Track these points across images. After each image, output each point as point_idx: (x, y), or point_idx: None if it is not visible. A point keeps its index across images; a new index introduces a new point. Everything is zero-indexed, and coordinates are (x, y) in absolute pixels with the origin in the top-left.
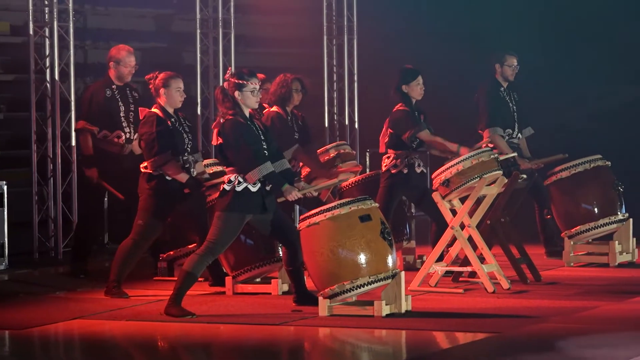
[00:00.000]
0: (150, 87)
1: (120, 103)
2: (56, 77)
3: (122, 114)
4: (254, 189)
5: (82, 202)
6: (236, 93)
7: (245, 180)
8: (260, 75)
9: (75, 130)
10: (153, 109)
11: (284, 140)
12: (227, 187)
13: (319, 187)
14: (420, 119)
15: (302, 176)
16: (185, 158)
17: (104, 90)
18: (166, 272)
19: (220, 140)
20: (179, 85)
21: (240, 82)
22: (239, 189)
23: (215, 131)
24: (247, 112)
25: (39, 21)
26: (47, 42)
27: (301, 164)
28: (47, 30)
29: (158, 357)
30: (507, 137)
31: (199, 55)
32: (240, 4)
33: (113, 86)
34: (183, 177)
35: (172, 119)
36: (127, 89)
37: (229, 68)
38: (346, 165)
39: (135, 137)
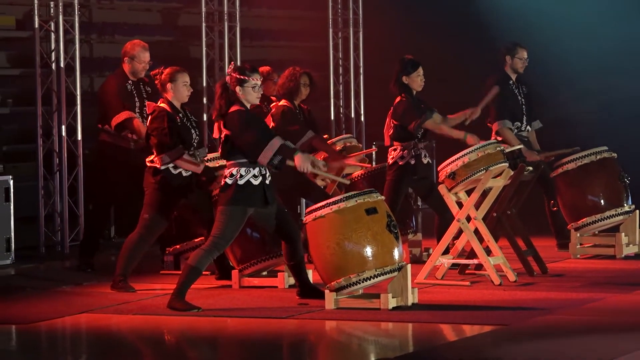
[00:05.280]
0: (156, 82)
1: (136, 98)
2: (62, 71)
3: (137, 110)
4: (255, 182)
5: (97, 194)
6: (237, 88)
7: (247, 173)
8: (266, 68)
9: (123, 122)
10: (160, 104)
11: (299, 130)
12: (229, 181)
13: (326, 174)
14: (422, 109)
15: None
16: (192, 153)
17: (125, 84)
18: (172, 265)
19: (225, 132)
20: (186, 79)
21: (242, 77)
22: (241, 182)
23: (216, 124)
24: (247, 107)
25: (44, 15)
26: (53, 36)
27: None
28: (52, 24)
29: (164, 351)
30: (515, 131)
31: (204, 48)
32: None
33: (129, 81)
34: (198, 168)
35: (180, 114)
36: (141, 84)
37: (232, 63)
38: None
39: None
